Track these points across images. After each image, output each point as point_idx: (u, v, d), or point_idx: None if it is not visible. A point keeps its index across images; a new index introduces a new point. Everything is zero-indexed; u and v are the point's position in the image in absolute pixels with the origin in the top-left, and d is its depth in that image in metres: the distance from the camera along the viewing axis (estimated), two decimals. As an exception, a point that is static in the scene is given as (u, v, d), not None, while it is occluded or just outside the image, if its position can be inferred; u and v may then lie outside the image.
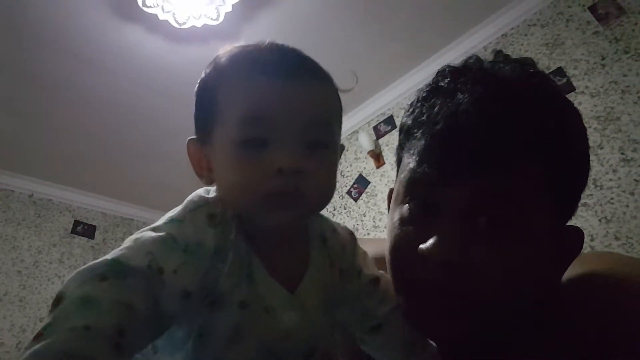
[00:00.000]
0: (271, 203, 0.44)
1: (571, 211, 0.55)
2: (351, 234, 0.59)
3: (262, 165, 0.43)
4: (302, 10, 2.08)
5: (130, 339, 0.35)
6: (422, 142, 0.52)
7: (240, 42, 0.50)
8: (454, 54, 2.40)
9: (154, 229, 0.44)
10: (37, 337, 0.31)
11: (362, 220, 2.67)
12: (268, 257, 0.48)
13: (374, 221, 2.62)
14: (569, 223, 0.55)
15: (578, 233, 0.54)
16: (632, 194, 1.77)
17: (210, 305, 0.44)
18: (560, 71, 2.06)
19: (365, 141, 2.68)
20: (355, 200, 2.73)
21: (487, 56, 0.58)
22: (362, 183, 2.74)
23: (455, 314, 0.49)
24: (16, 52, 2.14)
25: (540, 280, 0.50)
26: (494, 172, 0.48)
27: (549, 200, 0.50)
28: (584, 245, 0.55)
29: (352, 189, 2.76)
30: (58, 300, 0.35)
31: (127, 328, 0.34)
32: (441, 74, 0.56)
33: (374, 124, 2.79)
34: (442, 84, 0.54)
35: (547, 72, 0.59)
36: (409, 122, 0.57)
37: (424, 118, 0.53)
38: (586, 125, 0.55)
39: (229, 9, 1.97)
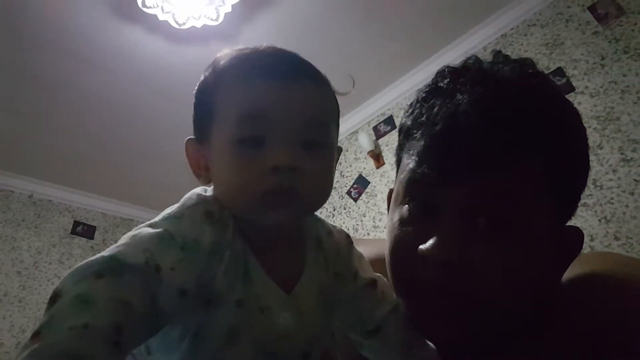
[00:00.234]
0: (267, 202, 0.44)
1: (571, 211, 0.55)
2: (347, 236, 0.59)
3: (258, 163, 0.44)
4: (301, 11, 2.08)
5: (128, 337, 0.35)
6: (422, 142, 0.52)
7: (239, 45, 0.51)
8: (453, 54, 2.40)
9: (151, 225, 0.44)
10: (35, 337, 0.31)
11: (361, 221, 2.67)
12: (265, 257, 0.48)
13: (373, 221, 2.62)
14: (568, 223, 0.55)
15: (578, 233, 0.54)
16: (631, 194, 1.77)
17: (207, 304, 0.44)
18: (559, 71, 2.06)
19: (365, 141, 2.68)
20: (355, 200, 2.73)
21: (487, 56, 0.58)
22: (361, 183, 2.74)
23: (455, 314, 0.49)
24: (16, 52, 2.14)
25: (540, 281, 0.50)
26: (493, 172, 0.48)
27: (548, 201, 0.50)
28: (584, 245, 0.55)
29: (351, 189, 2.76)
30: (54, 298, 0.35)
31: (124, 325, 0.34)
32: (440, 74, 0.56)
33: (373, 124, 2.79)
34: (442, 85, 0.54)
35: (546, 72, 0.59)
36: (409, 122, 0.57)
37: (423, 119, 0.53)
38: (586, 125, 0.55)
39: (229, 9, 1.97)
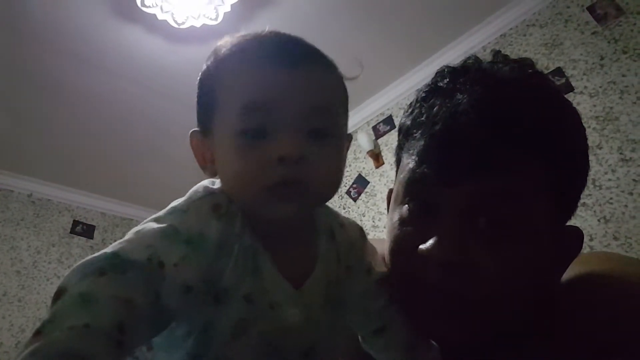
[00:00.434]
0: (274, 195, 0.42)
1: (571, 211, 0.55)
2: (360, 229, 0.58)
3: (263, 154, 0.42)
4: (301, 10, 2.08)
5: (132, 335, 0.34)
6: (422, 142, 0.52)
7: (241, 32, 0.49)
8: (453, 54, 2.40)
9: (156, 220, 0.43)
10: (36, 335, 0.31)
11: (361, 221, 2.67)
12: (275, 251, 0.47)
13: (373, 221, 2.62)
14: (568, 223, 0.56)
15: (578, 233, 0.54)
16: (630, 193, 1.77)
17: (215, 299, 0.43)
18: (559, 71, 2.06)
19: (365, 141, 2.68)
20: (355, 200, 2.73)
21: (486, 56, 0.58)
22: (361, 183, 2.74)
23: (455, 314, 0.49)
24: (15, 52, 2.13)
25: (540, 280, 0.50)
26: (493, 172, 0.48)
27: (548, 201, 0.50)
28: (583, 245, 0.55)
29: (351, 189, 2.76)
30: (58, 295, 0.34)
31: (127, 324, 0.34)
32: (440, 74, 0.56)
33: (373, 123, 2.79)
34: (441, 85, 0.54)
35: (546, 72, 0.59)
36: (408, 122, 0.57)
37: (423, 118, 0.53)
38: (585, 125, 0.55)
39: (228, 8, 1.97)
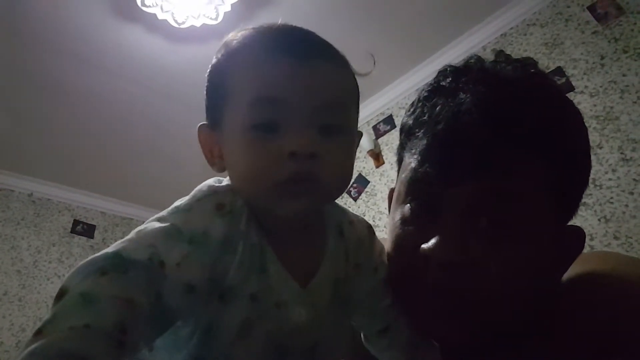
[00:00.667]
0: (284, 191, 0.41)
1: (572, 211, 0.55)
2: (369, 227, 0.57)
3: (274, 149, 0.41)
4: (301, 10, 2.08)
5: (134, 335, 0.34)
6: (424, 141, 0.52)
7: (251, 25, 0.48)
8: (453, 54, 2.40)
9: (159, 219, 0.42)
10: (37, 335, 0.31)
11: (361, 220, 2.66)
12: (282, 247, 0.46)
13: (373, 221, 2.62)
14: (570, 223, 0.55)
15: (579, 233, 0.54)
16: (631, 193, 1.77)
17: (220, 298, 0.43)
18: (559, 71, 2.06)
19: (365, 141, 2.67)
20: (355, 199, 2.73)
21: (487, 56, 0.58)
22: (361, 182, 2.74)
23: (456, 313, 0.49)
24: (15, 52, 2.13)
25: (541, 280, 0.50)
26: (495, 172, 0.48)
27: (550, 200, 0.50)
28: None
29: (351, 189, 2.76)
30: (60, 295, 0.34)
31: (129, 324, 0.33)
32: (442, 73, 0.56)
33: (373, 123, 2.79)
34: (444, 84, 0.54)
35: (546, 71, 0.59)
36: (410, 121, 0.57)
37: (425, 118, 0.53)
38: (585, 125, 0.55)
39: (228, 8, 1.97)
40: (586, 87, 1.99)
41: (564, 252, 0.52)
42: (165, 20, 1.95)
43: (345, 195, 2.76)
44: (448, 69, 0.56)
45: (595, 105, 1.94)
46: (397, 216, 0.55)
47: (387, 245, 0.57)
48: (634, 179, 1.77)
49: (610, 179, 1.82)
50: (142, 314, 0.35)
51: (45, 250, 3.03)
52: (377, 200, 2.64)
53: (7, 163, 2.87)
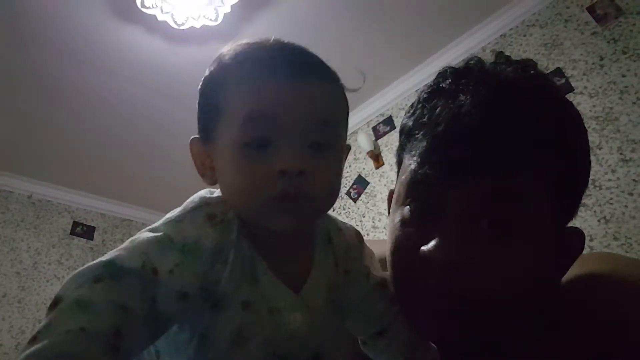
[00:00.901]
0: (274, 207, 0.42)
1: (572, 212, 0.55)
2: (358, 234, 0.58)
3: (265, 167, 0.42)
4: (301, 11, 2.08)
5: (128, 340, 0.35)
6: (424, 143, 0.52)
7: (244, 40, 0.49)
8: (452, 55, 2.40)
9: (152, 230, 0.43)
10: (33, 340, 0.31)
11: (361, 221, 2.67)
12: (272, 257, 0.47)
13: (373, 222, 2.62)
14: (569, 224, 0.56)
15: (579, 234, 0.54)
16: (630, 194, 1.77)
17: (213, 306, 0.43)
18: (559, 71, 2.06)
19: (365, 142, 2.68)
20: (355, 200, 2.73)
21: (487, 57, 0.58)
22: (361, 183, 2.74)
23: (456, 315, 0.49)
24: (15, 52, 2.13)
25: (541, 282, 0.50)
26: (495, 173, 0.48)
27: (550, 202, 0.50)
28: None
29: (351, 190, 2.76)
30: (55, 303, 0.35)
31: (123, 329, 0.34)
32: (442, 75, 0.56)
33: (373, 124, 2.79)
34: (444, 85, 0.54)
35: (546, 72, 0.59)
36: (410, 123, 0.57)
37: (425, 119, 0.53)
38: (585, 125, 0.55)
39: (228, 9, 1.97)
40: (585, 87, 1.99)
41: (564, 253, 0.52)
42: (165, 21, 1.95)
43: (344, 196, 2.76)
44: (448, 70, 0.56)
45: (594, 106, 1.94)
46: (397, 218, 0.55)
47: (387, 247, 0.57)
48: (634, 180, 1.77)
49: (609, 180, 1.82)
50: (136, 319, 0.36)
51: (45, 252, 3.02)
52: (376, 201, 2.64)
53: (6, 164, 2.87)
